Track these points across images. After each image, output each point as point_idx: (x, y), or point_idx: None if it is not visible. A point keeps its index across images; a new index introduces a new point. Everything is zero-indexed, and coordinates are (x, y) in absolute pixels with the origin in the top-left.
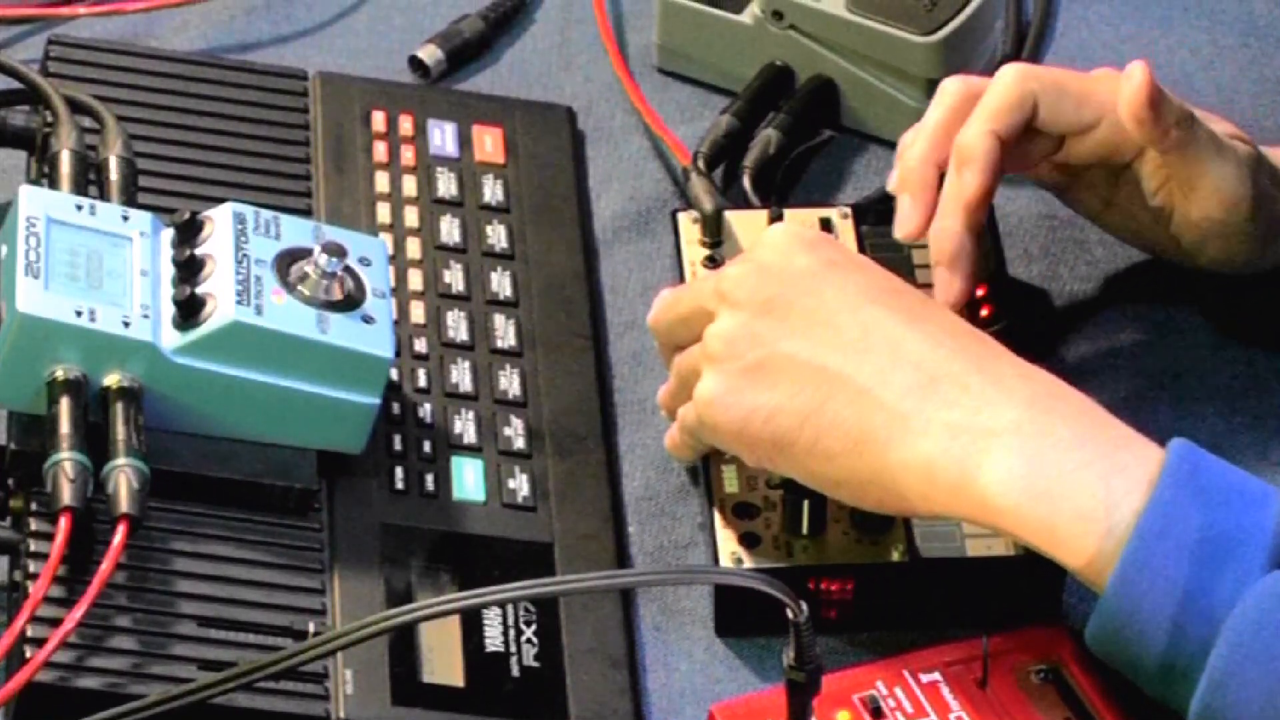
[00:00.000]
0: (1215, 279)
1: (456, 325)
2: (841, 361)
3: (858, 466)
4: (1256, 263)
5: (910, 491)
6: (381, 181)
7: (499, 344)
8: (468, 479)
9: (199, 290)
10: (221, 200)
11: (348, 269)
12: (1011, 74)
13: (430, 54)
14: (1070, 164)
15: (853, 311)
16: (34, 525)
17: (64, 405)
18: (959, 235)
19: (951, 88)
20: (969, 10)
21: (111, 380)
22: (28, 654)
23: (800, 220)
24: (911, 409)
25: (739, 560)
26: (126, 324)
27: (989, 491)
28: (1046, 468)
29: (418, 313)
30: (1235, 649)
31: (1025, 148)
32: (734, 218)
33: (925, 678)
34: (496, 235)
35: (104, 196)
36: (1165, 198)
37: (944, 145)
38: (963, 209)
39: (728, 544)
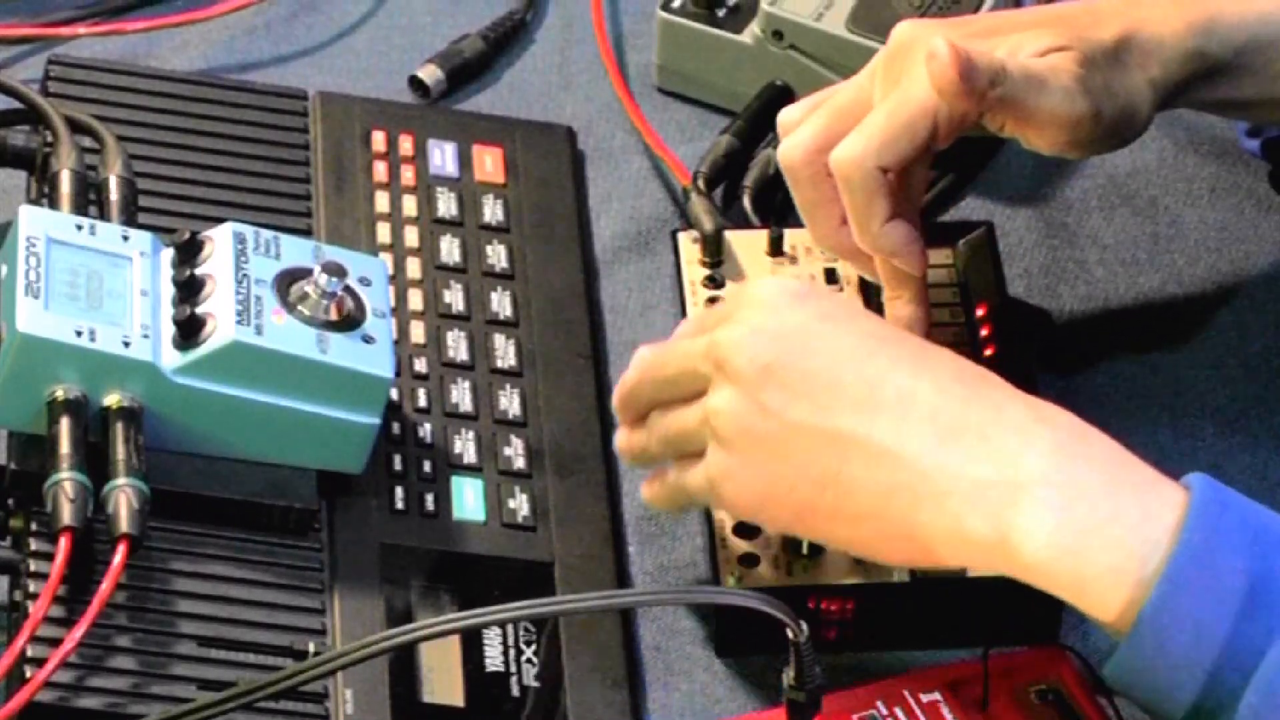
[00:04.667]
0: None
1: (456, 345)
2: (854, 422)
3: (884, 527)
4: (1129, 140)
5: (940, 548)
6: (381, 201)
7: (499, 364)
8: (468, 499)
9: (199, 310)
10: (221, 220)
11: (348, 289)
12: (851, 169)
13: (430, 74)
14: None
15: (856, 367)
16: (34, 545)
17: (64, 425)
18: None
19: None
20: None
21: (111, 400)
22: (28, 674)
23: (800, 239)
24: (932, 465)
25: (739, 580)
26: (127, 344)
27: (1022, 548)
28: (1078, 520)
29: (418, 332)
30: (1267, 698)
31: (906, 183)
32: (734, 237)
33: (925, 698)
34: (496, 255)
35: (104, 216)
36: (1013, 131)
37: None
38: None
39: (728, 564)
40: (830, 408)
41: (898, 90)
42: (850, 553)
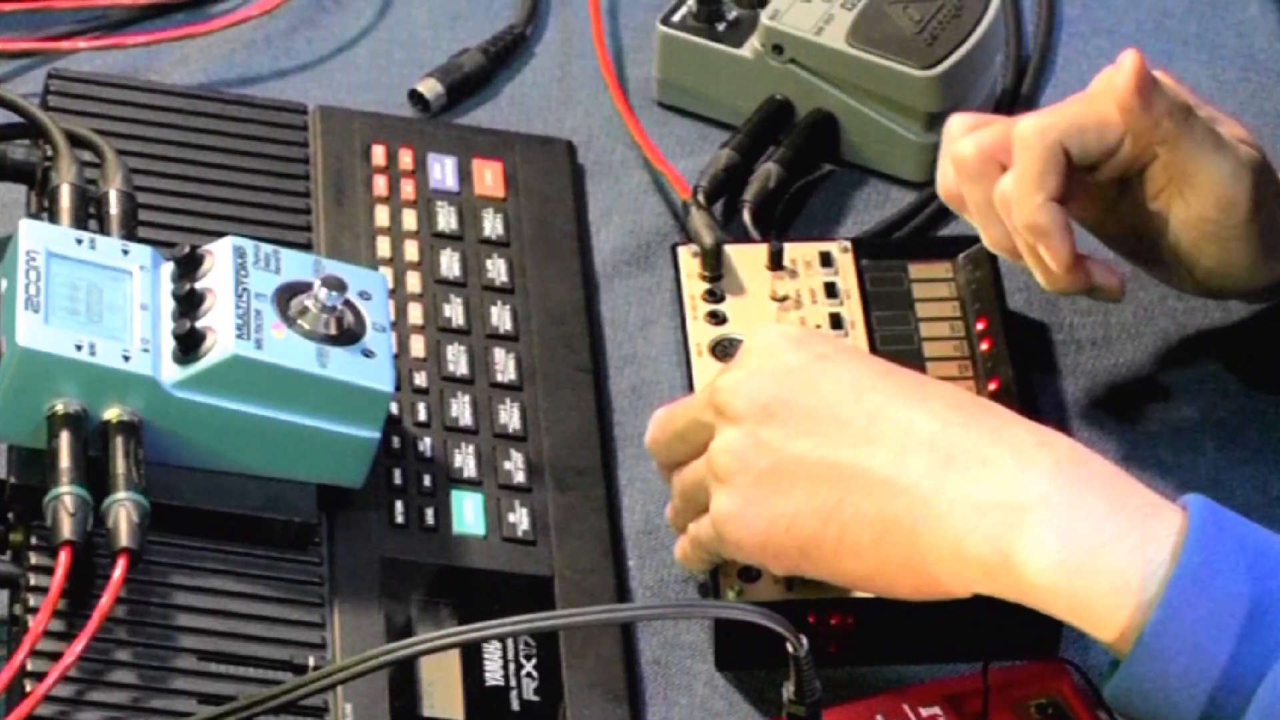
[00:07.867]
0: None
1: (456, 359)
2: (853, 454)
3: (887, 557)
4: (1256, 278)
5: (943, 573)
6: (381, 215)
7: (499, 378)
8: (468, 513)
9: (199, 324)
10: (221, 234)
11: (348, 303)
12: (1033, 135)
13: (430, 88)
14: (1098, 185)
15: (855, 401)
16: (34, 559)
17: (64, 439)
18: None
19: (965, 150)
20: (969, 44)
21: (111, 414)
22: (27, 688)
23: (800, 254)
24: (932, 490)
25: (739, 594)
26: (126, 358)
27: (1025, 569)
28: (1080, 541)
29: (418, 346)
30: (1266, 719)
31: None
32: (734, 252)
33: (925, 711)
34: (496, 269)
35: (104, 230)
36: (1165, 200)
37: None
38: (1052, 275)
39: (728, 578)
40: (830, 441)
41: (1100, 100)
42: (857, 589)
